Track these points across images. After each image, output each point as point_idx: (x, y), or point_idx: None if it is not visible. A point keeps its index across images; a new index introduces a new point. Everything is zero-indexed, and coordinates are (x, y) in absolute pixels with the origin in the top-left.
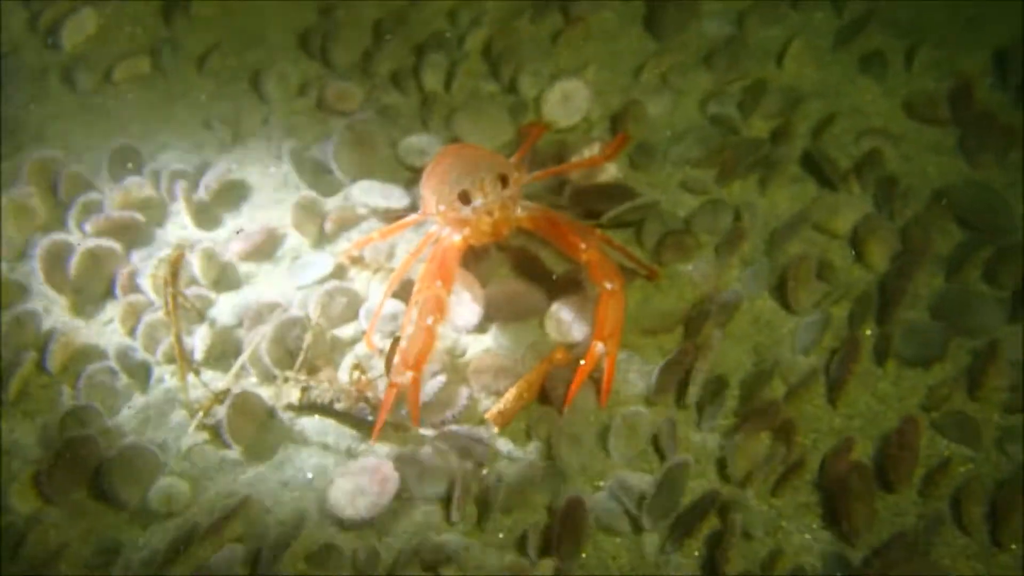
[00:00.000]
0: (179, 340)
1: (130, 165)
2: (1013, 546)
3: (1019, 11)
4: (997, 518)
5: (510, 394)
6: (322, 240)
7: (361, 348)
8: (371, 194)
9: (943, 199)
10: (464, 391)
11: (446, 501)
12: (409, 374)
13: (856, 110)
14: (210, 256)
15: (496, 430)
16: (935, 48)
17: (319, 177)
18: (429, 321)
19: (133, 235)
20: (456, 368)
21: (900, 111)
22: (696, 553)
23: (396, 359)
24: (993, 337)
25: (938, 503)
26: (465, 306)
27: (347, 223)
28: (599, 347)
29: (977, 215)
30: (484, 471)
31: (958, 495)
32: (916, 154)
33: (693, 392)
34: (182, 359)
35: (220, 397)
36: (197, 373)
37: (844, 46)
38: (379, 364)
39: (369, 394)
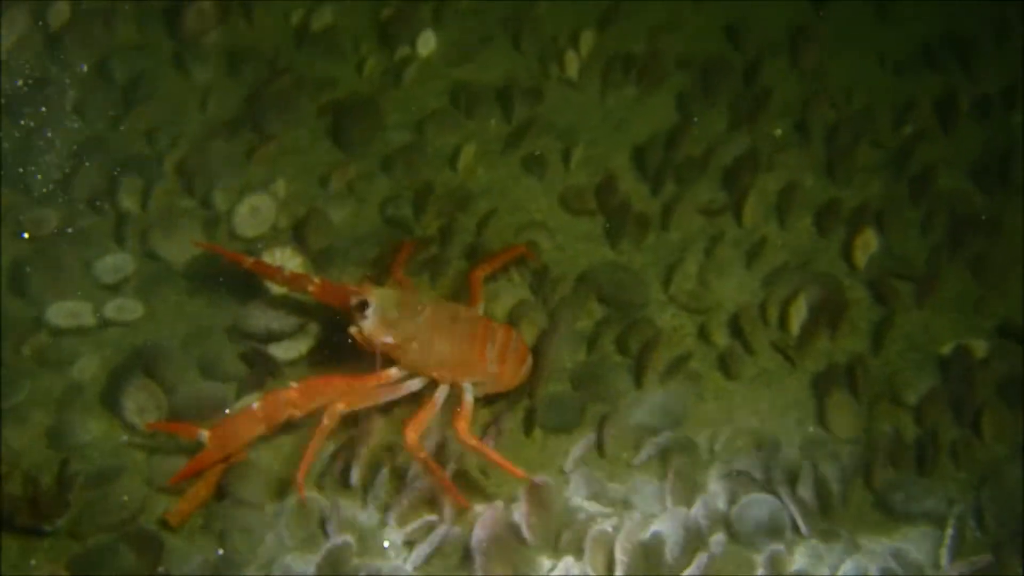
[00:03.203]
0: None
1: None
2: None
3: (659, 112)
4: (614, 564)
5: (188, 493)
6: None
7: None
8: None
9: (587, 281)
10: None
11: None
12: None
13: (518, 206)
14: None
15: (174, 527)
16: (588, 147)
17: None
18: None
19: None
20: None
21: (557, 205)
22: None
23: None
24: (617, 402)
25: (566, 555)
26: None
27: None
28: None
29: (615, 293)
30: (159, 568)
31: (582, 546)
32: (568, 243)
33: (356, 476)
34: None
35: None
36: None
37: (511, 149)
38: None
39: None
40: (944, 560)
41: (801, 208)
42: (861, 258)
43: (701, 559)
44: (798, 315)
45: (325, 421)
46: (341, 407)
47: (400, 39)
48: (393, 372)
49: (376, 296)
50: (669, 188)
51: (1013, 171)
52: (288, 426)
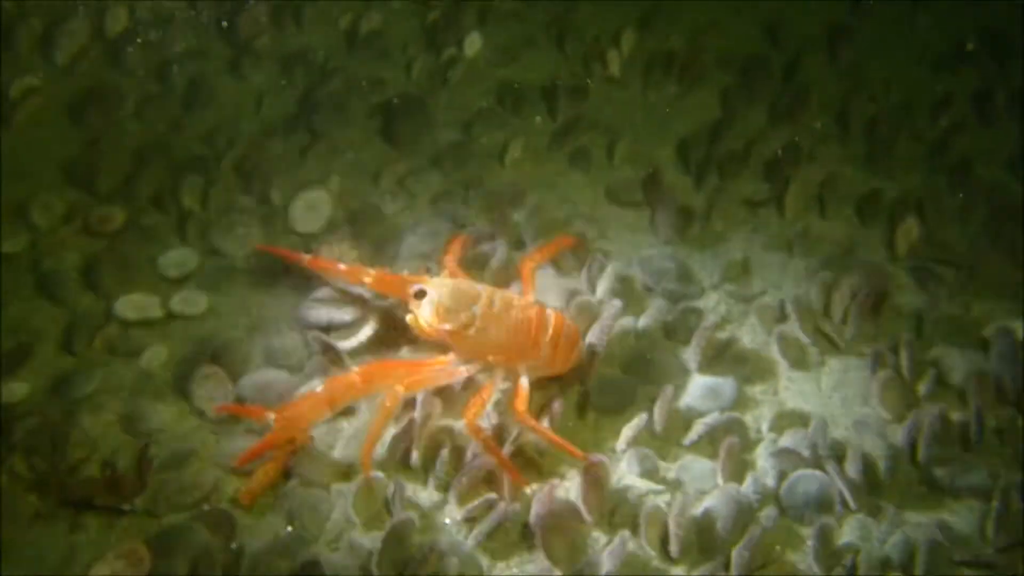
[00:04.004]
0: None
1: None
2: (684, 562)
3: (701, 108)
4: (668, 537)
5: (258, 474)
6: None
7: None
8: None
9: (635, 270)
10: (211, 473)
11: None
12: None
13: (565, 199)
14: None
15: (245, 506)
16: (632, 143)
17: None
18: None
19: None
20: None
21: (603, 197)
22: None
23: None
24: (667, 385)
25: (622, 528)
26: None
27: None
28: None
29: (662, 281)
30: (232, 544)
31: (637, 521)
32: (615, 234)
33: (416, 457)
34: None
35: None
36: None
37: (557, 145)
38: None
39: None
40: (990, 531)
41: (843, 199)
42: (903, 246)
43: (753, 532)
44: (842, 301)
45: (387, 403)
46: (401, 390)
47: (447, 41)
48: (450, 358)
49: (433, 285)
50: (712, 181)
51: None
52: (350, 410)
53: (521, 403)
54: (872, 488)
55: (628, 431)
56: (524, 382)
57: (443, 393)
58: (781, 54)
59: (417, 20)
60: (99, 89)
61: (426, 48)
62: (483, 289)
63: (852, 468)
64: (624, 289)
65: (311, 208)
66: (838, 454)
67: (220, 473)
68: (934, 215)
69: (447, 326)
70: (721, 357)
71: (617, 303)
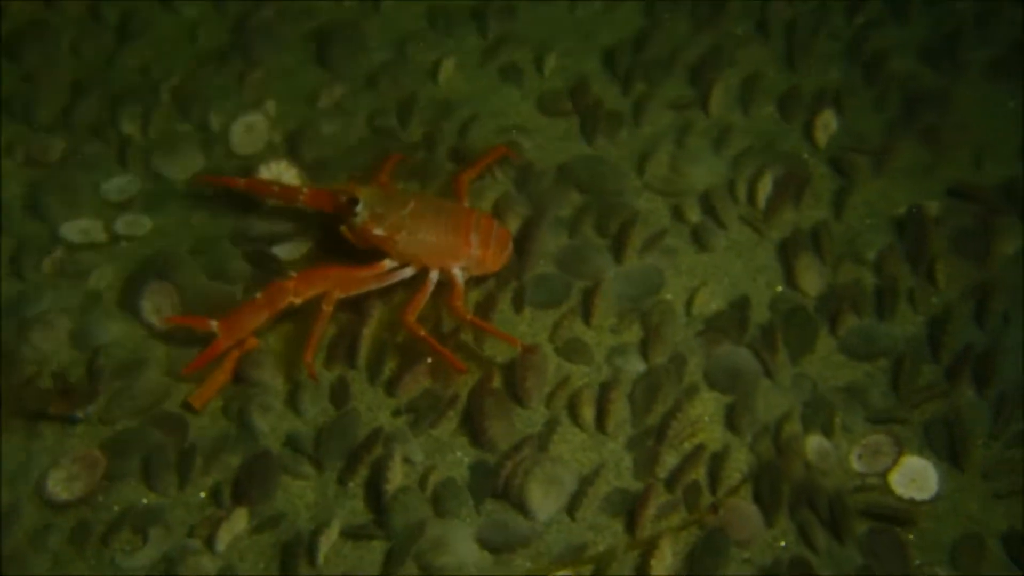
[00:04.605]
0: None
1: None
2: (619, 436)
3: (626, 21)
4: (603, 414)
5: (208, 379)
6: None
7: None
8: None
9: (566, 173)
10: (162, 380)
11: (145, 473)
12: None
13: (498, 112)
14: None
15: (197, 409)
16: (561, 56)
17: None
18: None
19: None
20: None
21: (534, 109)
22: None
23: None
24: (600, 278)
25: (558, 411)
26: None
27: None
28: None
29: (593, 182)
30: (185, 444)
31: (573, 401)
32: (547, 142)
33: (362, 355)
34: None
35: None
36: None
37: (489, 61)
38: None
39: None
40: (902, 388)
41: (764, 96)
42: (822, 137)
43: (679, 403)
44: (764, 190)
45: (324, 307)
46: (338, 293)
47: None
48: (386, 263)
49: (363, 193)
50: (639, 87)
51: (960, 51)
52: (290, 313)
53: (457, 299)
54: (793, 360)
55: (563, 321)
56: (459, 280)
57: (383, 297)
58: None
59: None
60: (33, 27)
61: None
62: (412, 195)
63: (773, 343)
64: (556, 191)
65: (250, 131)
66: (762, 333)
67: (170, 381)
68: (851, 107)
69: (379, 231)
70: (651, 249)
71: (549, 204)
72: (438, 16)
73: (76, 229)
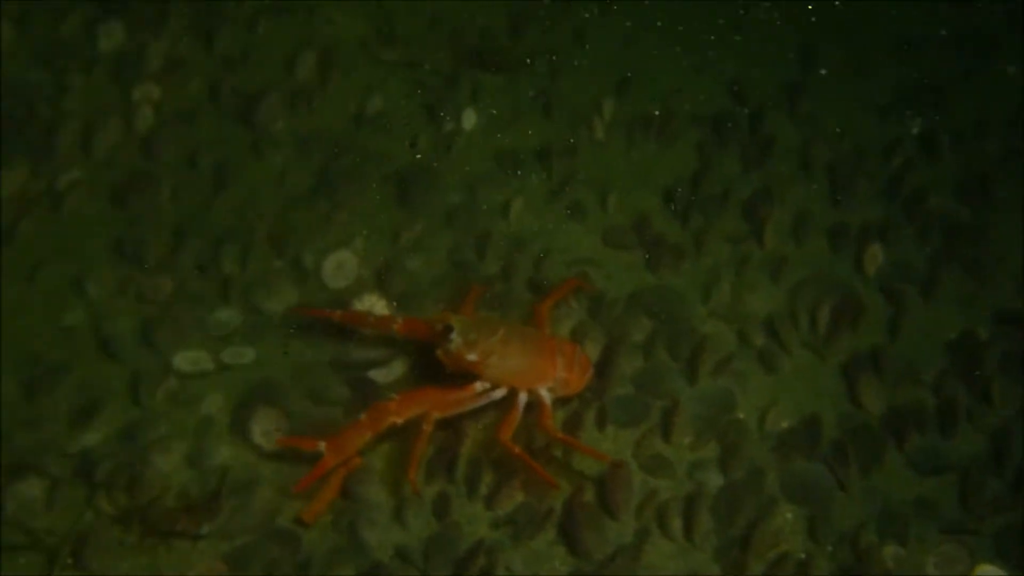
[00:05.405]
0: None
1: None
2: (706, 546)
3: (680, 162)
4: (690, 525)
5: (318, 495)
6: None
7: None
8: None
9: (636, 302)
10: (274, 498)
11: None
12: None
13: (567, 247)
14: None
15: (308, 524)
16: (622, 194)
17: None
18: None
19: None
20: None
21: (600, 243)
22: None
23: None
24: (677, 397)
25: (648, 522)
26: None
27: None
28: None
29: (661, 310)
30: (298, 556)
31: (661, 513)
32: (615, 273)
33: (460, 470)
34: None
35: None
36: None
37: (555, 199)
38: None
39: None
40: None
41: (814, 230)
42: (871, 268)
43: (761, 516)
44: (823, 317)
45: (424, 427)
46: (436, 414)
47: (446, 117)
48: (477, 385)
49: (457, 322)
50: (697, 221)
51: (992, 188)
52: (391, 434)
53: (547, 418)
54: (863, 473)
55: (644, 439)
56: (546, 401)
57: (475, 418)
58: (745, 110)
59: (417, 101)
60: (135, 177)
61: (427, 124)
62: (500, 323)
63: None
64: (628, 318)
65: (340, 267)
66: (833, 449)
67: (282, 498)
68: (895, 241)
69: (472, 356)
70: (721, 371)
71: (623, 330)
72: (504, 158)
73: (186, 360)
